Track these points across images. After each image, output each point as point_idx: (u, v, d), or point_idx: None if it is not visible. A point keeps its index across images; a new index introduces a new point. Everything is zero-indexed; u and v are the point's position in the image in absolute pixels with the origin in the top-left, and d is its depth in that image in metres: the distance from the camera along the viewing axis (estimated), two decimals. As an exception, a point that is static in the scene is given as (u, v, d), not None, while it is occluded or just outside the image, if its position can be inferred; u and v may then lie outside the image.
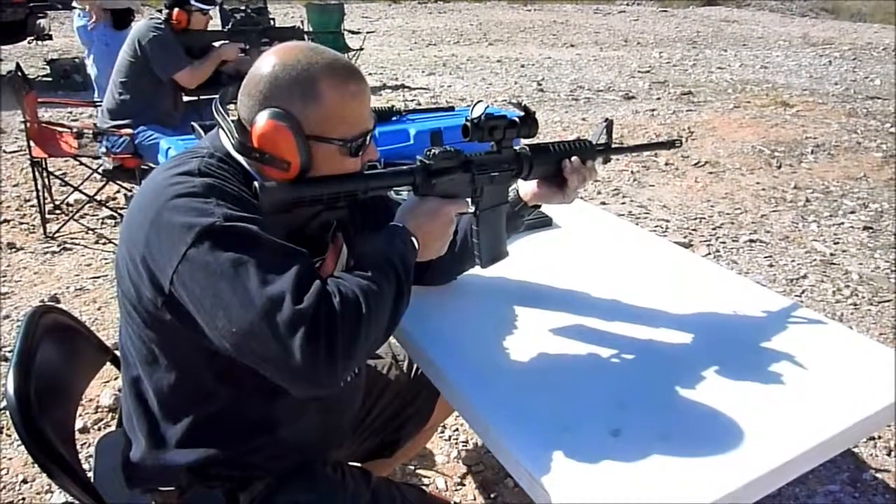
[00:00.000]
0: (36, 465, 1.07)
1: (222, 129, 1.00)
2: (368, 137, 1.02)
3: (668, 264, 1.60)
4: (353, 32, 8.01)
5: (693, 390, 1.13)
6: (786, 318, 1.35)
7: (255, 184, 0.91)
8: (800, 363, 1.20)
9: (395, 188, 1.10)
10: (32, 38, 7.16)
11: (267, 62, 0.98)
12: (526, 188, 1.27)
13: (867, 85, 8.11)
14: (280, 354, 0.82)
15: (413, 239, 1.03)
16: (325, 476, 1.13)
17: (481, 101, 1.10)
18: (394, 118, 2.29)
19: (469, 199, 1.15)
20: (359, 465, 1.33)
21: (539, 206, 1.33)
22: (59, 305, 2.74)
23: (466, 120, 1.08)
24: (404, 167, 1.07)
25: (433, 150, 1.07)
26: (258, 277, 0.84)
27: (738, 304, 1.40)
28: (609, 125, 1.28)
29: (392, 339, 1.46)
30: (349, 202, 1.04)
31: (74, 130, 3.45)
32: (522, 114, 1.14)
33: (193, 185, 0.91)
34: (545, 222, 1.76)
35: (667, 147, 1.40)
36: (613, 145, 1.30)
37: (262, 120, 0.94)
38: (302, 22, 7.43)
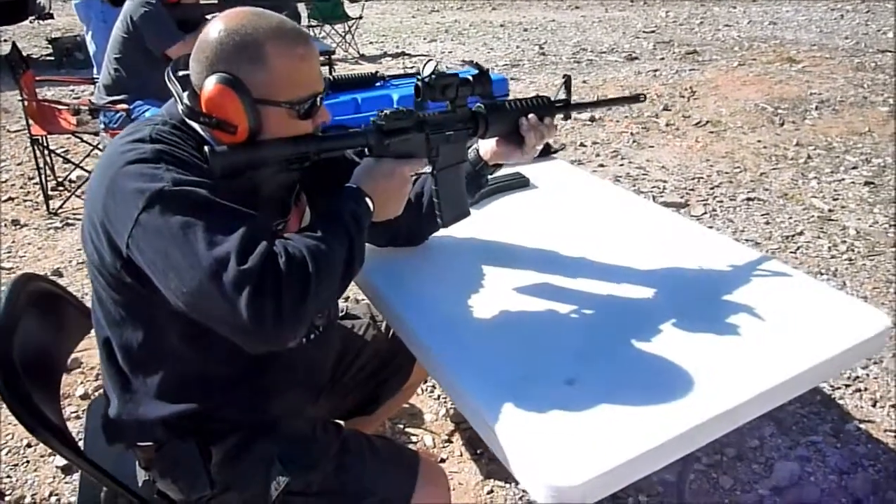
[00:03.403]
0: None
1: (174, 95, 1.02)
2: (319, 100, 1.04)
3: (639, 220, 1.62)
4: (352, 1, 7.95)
5: (652, 341, 1.16)
6: (751, 271, 1.37)
7: (206, 148, 0.94)
8: (758, 313, 1.22)
9: (348, 149, 1.12)
10: (33, 17, 7.18)
11: (214, 28, 1.00)
12: (485, 147, 1.29)
13: (879, 38, 7.95)
14: (229, 313, 0.86)
15: (368, 199, 1.06)
16: (296, 429, 1.18)
17: (431, 59, 1.11)
18: (377, 84, 2.30)
19: (426, 159, 1.17)
20: (341, 422, 1.38)
21: (501, 165, 1.35)
22: (51, 277, 2.81)
23: (417, 79, 1.10)
24: (357, 129, 1.09)
25: (385, 111, 1.09)
26: (206, 239, 0.87)
27: (706, 258, 1.41)
28: (567, 81, 1.29)
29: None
30: (311, 164, 1.07)
31: (71, 107, 3.48)
32: (476, 72, 1.16)
33: (144, 151, 0.94)
34: (522, 183, 1.78)
35: (630, 101, 1.41)
36: (574, 101, 1.32)
37: (210, 85, 0.97)
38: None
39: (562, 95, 1.30)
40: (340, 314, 1.56)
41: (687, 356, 1.11)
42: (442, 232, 1.42)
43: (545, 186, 1.80)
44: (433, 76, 1.10)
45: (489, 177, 1.49)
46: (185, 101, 0.99)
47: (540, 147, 1.27)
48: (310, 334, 1.19)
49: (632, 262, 1.40)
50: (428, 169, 1.18)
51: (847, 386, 2.26)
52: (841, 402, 2.19)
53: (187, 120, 1.02)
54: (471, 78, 1.16)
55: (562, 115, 1.31)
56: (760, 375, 1.07)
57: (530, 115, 1.24)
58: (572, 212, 1.68)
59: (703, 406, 1.01)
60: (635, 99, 1.41)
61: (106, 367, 1.12)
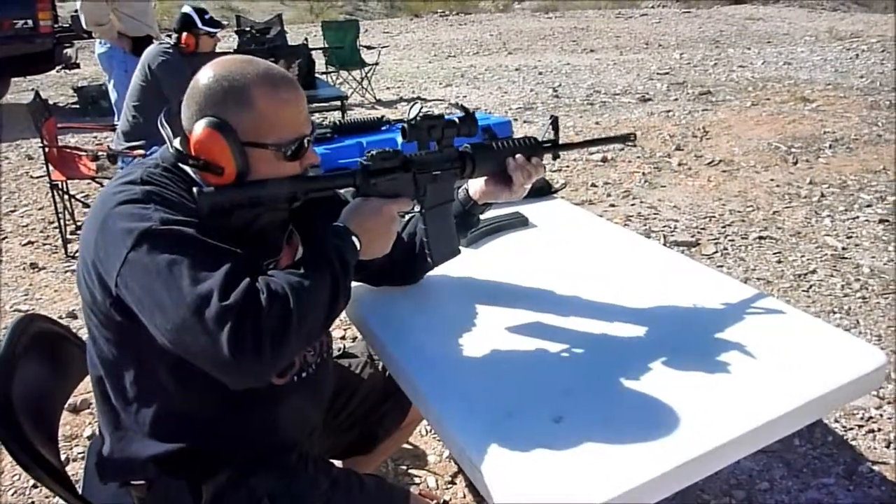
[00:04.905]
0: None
1: (166, 139, 1.06)
2: (306, 142, 1.08)
3: (634, 259, 1.62)
4: (368, 48, 8.15)
5: (640, 379, 1.15)
6: (744, 308, 1.36)
7: (195, 189, 0.98)
8: (749, 350, 1.21)
9: (336, 189, 1.15)
10: (60, 66, 7.44)
11: (204, 74, 1.04)
12: (475, 186, 1.31)
13: (894, 77, 7.93)
14: (210, 348, 0.88)
15: (354, 238, 1.08)
16: (287, 465, 1.18)
17: (417, 102, 1.15)
18: (383, 128, 2.35)
19: (414, 198, 1.19)
20: (334, 460, 1.38)
21: (491, 205, 1.36)
22: (65, 319, 2.86)
23: (404, 122, 1.13)
24: (346, 169, 1.12)
25: (372, 152, 1.12)
26: (190, 276, 0.90)
27: (699, 296, 1.40)
28: (554, 122, 1.32)
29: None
30: (303, 204, 1.09)
31: (90, 153, 3.59)
32: (462, 114, 1.19)
33: (134, 192, 0.98)
34: (520, 222, 1.79)
35: (620, 141, 1.42)
36: (562, 142, 1.34)
37: (199, 128, 1.01)
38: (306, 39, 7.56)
39: (549, 136, 1.33)
40: (338, 353, 1.57)
41: (676, 393, 1.11)
42: (437, 271, 1.43)
43: (544, 226, 1.81)
44: (418, 118, 1.13)
45: (488, 216, 1.52)
46: (176, 144, 1.03)
47: (528, 186, 1.29)
48: (302, 372, 1.20)
49: (625, 300, 1.40)
50: (416, 208, 1.20)
51: (860, 427, 2.21)
52: (854, 442, 2.14)
53: (178, 163, 1.05)
54: (457, 120, 1.19)
55: (550, 155, 1.33)
56: (749, 412, 1.06)
57: (517, 155, 1.26)
58: (569, 251, 1.68)
59: (690, 443, 1.00)
60: (625, 138, 1.42)
61: (100, 405, 1.14)
